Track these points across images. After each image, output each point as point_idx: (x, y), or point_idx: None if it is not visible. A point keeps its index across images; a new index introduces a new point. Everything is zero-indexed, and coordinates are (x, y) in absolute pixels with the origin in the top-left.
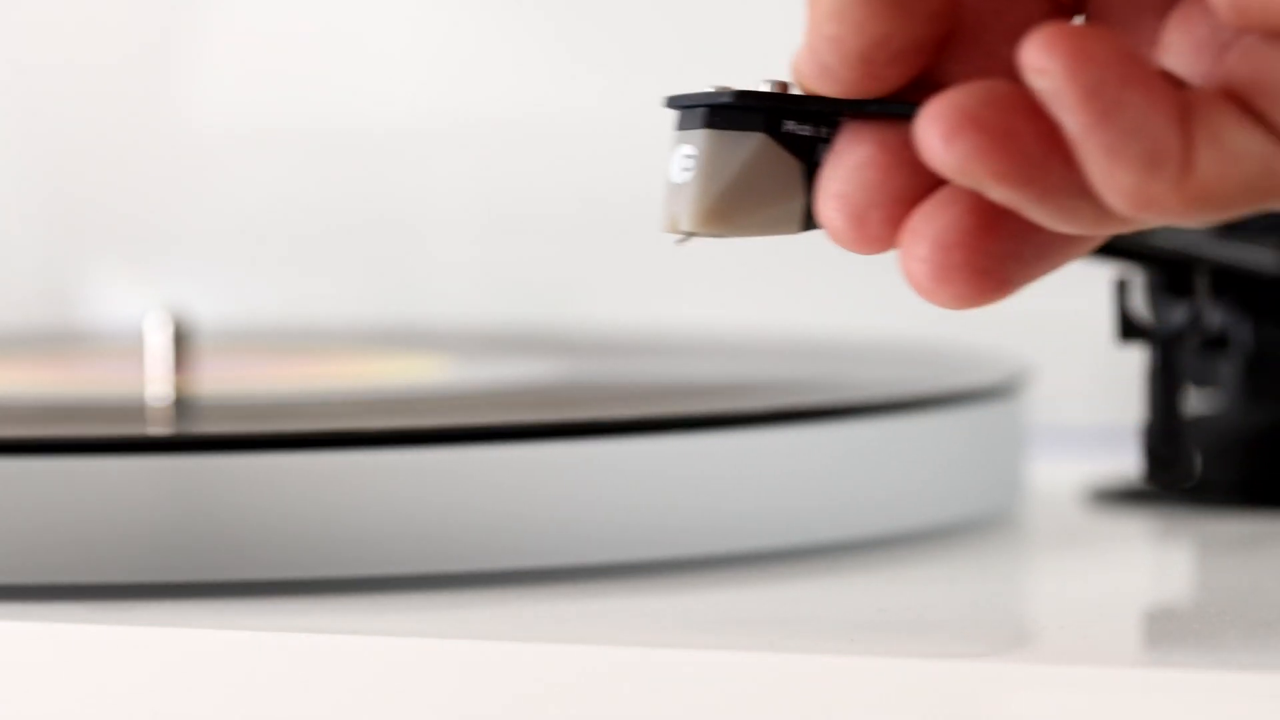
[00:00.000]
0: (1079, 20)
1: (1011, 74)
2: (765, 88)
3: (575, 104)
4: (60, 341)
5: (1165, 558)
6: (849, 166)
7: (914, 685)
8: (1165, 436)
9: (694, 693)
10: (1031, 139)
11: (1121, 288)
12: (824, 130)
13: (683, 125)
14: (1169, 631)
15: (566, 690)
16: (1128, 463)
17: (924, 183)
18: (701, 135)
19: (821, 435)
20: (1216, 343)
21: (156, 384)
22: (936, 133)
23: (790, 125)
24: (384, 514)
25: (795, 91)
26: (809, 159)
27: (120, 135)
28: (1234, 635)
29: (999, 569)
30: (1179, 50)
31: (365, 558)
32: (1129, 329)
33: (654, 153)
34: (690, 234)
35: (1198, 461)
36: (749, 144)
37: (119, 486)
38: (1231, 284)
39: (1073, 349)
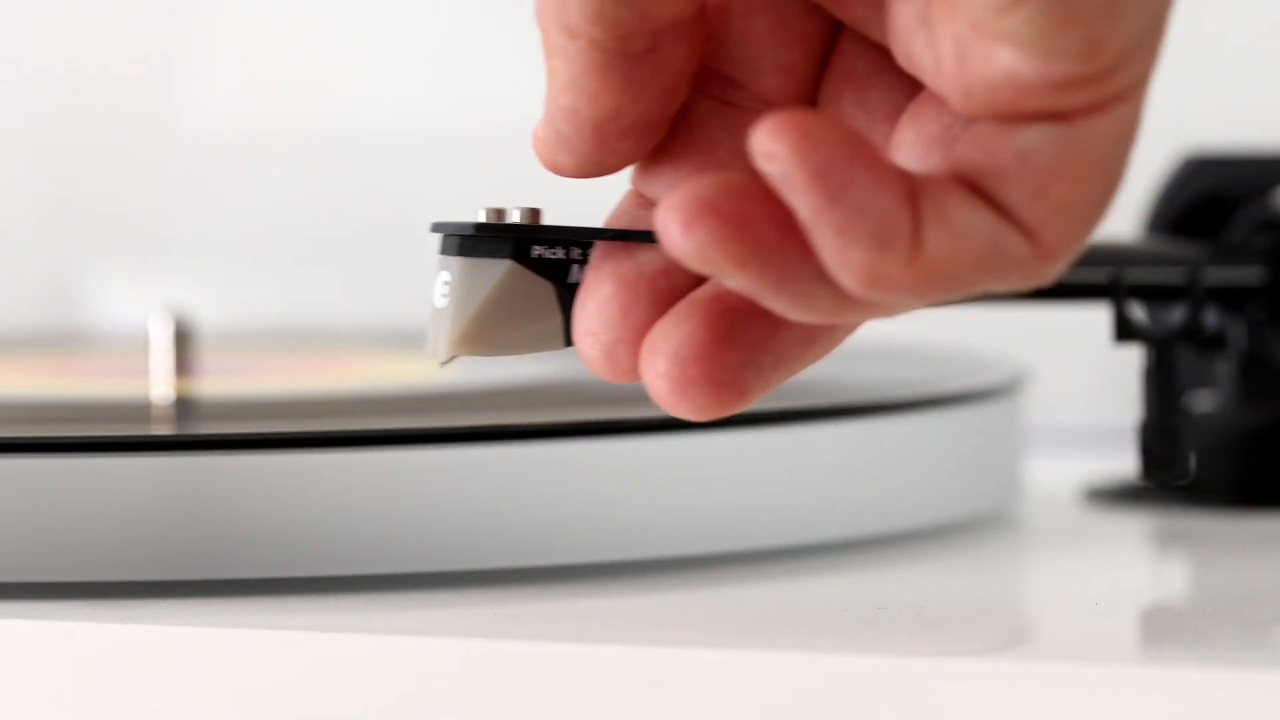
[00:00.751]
0: None
1: (748, 169)
2: (516, 215)
3: None
4: (62, 341)
5: (1162, 557)
6: (594, 303)
7: (914, 685)
8: (1161, 435)
9: (694, 693)
10: (768, 225)
11: (1118, 290)
12: (576, 252)
13: (442, 251)
14: (1165, 630)
15: (566, 690)
16: (1125, 462)
17: (664, 313)
18: (455, 262)
19: (821, 435)
20: (1212, 343)
21: (157, 384)
22: (675, 221)
23: (539, 250)
24: (384, 514)
25: (545, 219)
26: (562, 280)
27: (122, 138)
28: (1229, 633)
29: (998, 568)
30: (912, 147)
31: (365, 558)
32: (1126, 330)
33: None
34: (451, 356)
35: (1193, 460)
36: (498, 270)
37: (120, 486)
38: (1227, 286)
39: (1071, 350)
